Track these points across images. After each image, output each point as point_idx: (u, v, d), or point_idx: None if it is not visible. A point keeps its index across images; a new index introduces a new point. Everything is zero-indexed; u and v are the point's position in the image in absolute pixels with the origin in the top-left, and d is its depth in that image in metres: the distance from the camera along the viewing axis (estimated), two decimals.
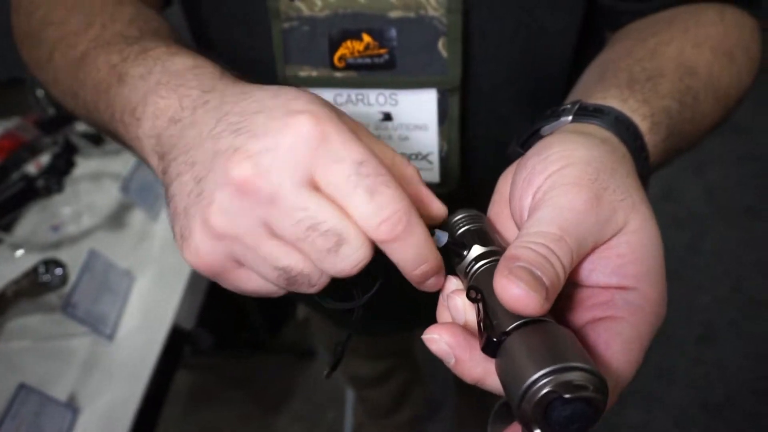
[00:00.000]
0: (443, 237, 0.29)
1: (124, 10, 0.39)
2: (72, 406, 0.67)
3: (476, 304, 0.25)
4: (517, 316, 0.23)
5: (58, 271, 0.75)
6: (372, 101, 0.45)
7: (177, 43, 0.39)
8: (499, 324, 0.24)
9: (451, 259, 0.30)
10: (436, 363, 1.15)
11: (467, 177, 0.50)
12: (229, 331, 1.57)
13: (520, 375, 0.21)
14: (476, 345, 0.24)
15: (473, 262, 0.28)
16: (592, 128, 0.31)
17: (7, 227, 0.93)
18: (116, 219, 0.92)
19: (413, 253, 0.25)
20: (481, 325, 0.24)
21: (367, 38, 0.42)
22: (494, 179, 0.43)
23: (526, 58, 0.45)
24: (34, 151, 0.96)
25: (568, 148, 0.27)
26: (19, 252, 0.89)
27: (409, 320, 0.82)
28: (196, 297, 0.88)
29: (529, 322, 0.23)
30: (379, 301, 0.81)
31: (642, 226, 0.25)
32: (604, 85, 0.35)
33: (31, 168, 0.99)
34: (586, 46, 0.49)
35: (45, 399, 0.64)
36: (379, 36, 0.42)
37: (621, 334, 0.24)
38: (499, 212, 0.31)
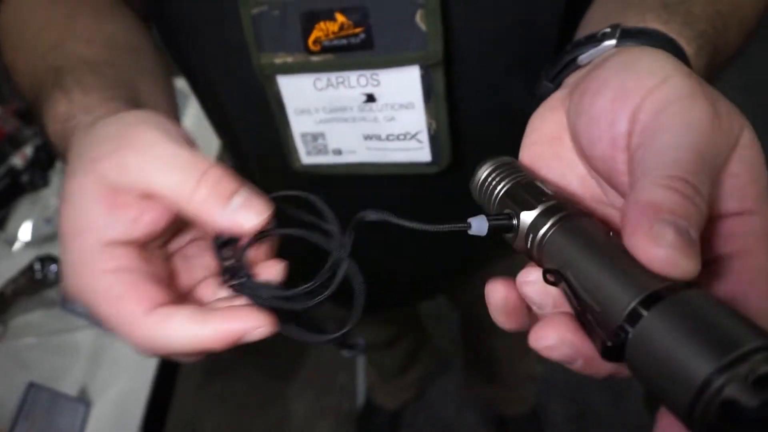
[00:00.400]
0: (481, 223, 0.23)
1: (43, 41, 0.39)
2: (84, 400, 0.68)
3: (559, 284, 0.20)
4: (633, 289, 0.18)
5: (53, 267, 0.74)
6: (353, 83, 0.43)
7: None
8: (607, 313, 0.18)
9: (504, 239, 0.24)
10: (443, 321, 1.18)
11: (460, 153, 0.48)
12: None
13: (678, 376, 0.16)
14: (585, 343, 0.20)
15: (530, 234, 0.23)
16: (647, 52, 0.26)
17: (0, 223, 0.93)
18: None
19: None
20: (582, 319, 0.19)
21: (341, 18, 0.40)
22: (488, 152, 0.40)
23: (513, 20, 0.43)
24: (16, 143, 0.94)
25: (654, 58, 0.23)
26: (17, 246, 0.89)
27: (408, 297, 0.82)
28: None
29: (653, 297, 0.17)
30: (374, 283, 0.79)
31: (753, 139, 0.22)
32: (637, 9, 0.31)
33: (17, 161, 0.97)
34: None
35: (56, 395, 0.65)
36: (353, 14, 0.40)
37: (755, 270, 0.20)
38: (538, 154, 0.27)
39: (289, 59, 0.42)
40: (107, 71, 0.37)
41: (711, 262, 0.21)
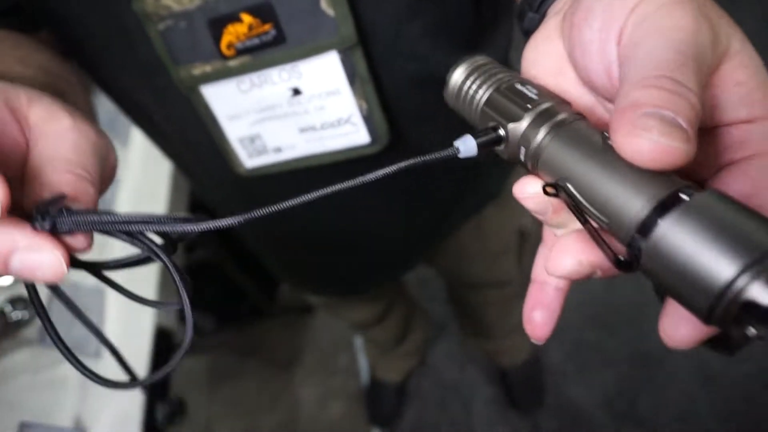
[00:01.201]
0: (469, 143, 0.22)
1: (37, 56, 0.40)
2: (79, 428, 0.69)
3: (561, 196, 0.20)
4: (639, 195, 0.17)
5: (22, 308, 0.74)
6: (276, 80, 0.43)
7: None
8: (617, 224, 0.17)
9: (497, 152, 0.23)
10: (431, 287, 1.19)
11: (398, 128, 0.48)
12: (227, 308, 1.59)
13: (698, 278, 0.16)
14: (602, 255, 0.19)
15: (521, 146, 0.21)
16: None
17: None
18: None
19: None
20: (590, 231, 0.19)
21: (247, 18, 0.40)
22: (426, 124, 0.39)
23: None
24: None
25: None
26: None
27: (390, 274, 0.83)
28: (172, 294, 0.88)
29: (664, 205, 0.17)
30: (347, 265, 0.78)
31: (744, 43, 0.21)
32: None
33: None
34: None
35: (49, 430, 0.66)
36: (258, 12, 0.39)
37: None
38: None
39: (208, 68, 0.42)
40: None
41: (723, 169, 0.20)
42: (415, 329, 1.34)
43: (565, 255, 0.21)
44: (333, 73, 0.43)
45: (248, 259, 1.39)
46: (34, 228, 0.22)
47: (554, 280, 0.26)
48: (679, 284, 0.16)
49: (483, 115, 0.23)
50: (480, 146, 0.22)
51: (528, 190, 0.22)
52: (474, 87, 0.24)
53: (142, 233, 0.23)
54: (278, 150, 0.49)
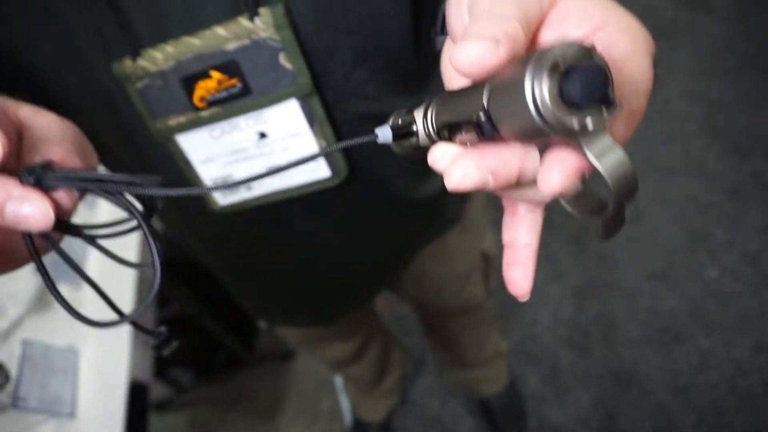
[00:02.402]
0: (385, 130, 0.28)
1: None
2: None
3: (453, 134, 0.25)
4: (482, 87, 0.22)
5: None
6: (243, 126, 0.48)
7: None
8: (476, 109, 0.23)
9: (414, 145, 0.29)
10: (406, 321, 1.21)
11: (354, 161, 0.53)
12: (205, 360, 1.58)
13: (520, 102, 0.20)
14: (492, 149, 0.24)
15: (424, 121, 0.27)
16: None
17: None
18: (42, 301, 0.91)
19: None
20: (472, 132, 0.23)
21: (216, 74, 0.45)
22: (378, 155, 0.43)
23: (368, 39, 0.48)
24: None
25: None
26: None
27: (358, 298, 0.86)
28: (147, 347, 0.89)
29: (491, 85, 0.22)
30: (319, 289, 0.81)
31: None
32: None
33: None
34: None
35: None
36: (225, 69, 0.44)
37: (621, 48, 0.24)
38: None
39: (182, 119, 0.47)
40: None
41: None
42: (393, 366, 1.35)
43: (454, 167, 0.24)
44: (294, 118, 0.48)
45: (223, 309, 1.40)
46: (21, 182, 0.24)
47: (522, 238, 0.30)
48: (515, 113, 0.21)
49: (398, 117, 0.29)
50: (394, 132, 0.27)
51: (434, 153, 0.26)
52: (396, 113, 0.30)
53: (120, 193, 0.25)
54: (249, 188, 0.53)
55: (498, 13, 0.23)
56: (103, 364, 0.81)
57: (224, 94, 0.45)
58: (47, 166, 0.25)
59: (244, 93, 0.45)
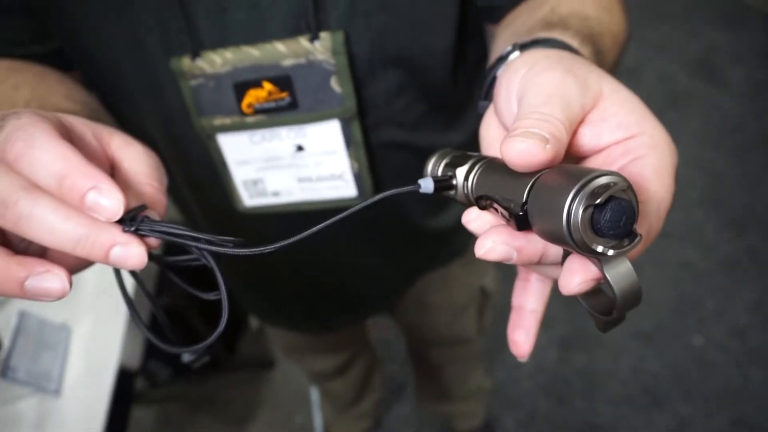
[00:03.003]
0: (428, 182, 0.30)
1: (19, 95, 0.44)
2: None
3: (490, 207, 0.27)
4: (526, 181, 0.24)
5: None
6: (284, 137, 0.50)
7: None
8: (516, 200, 0.25)
9: (450, 196, 0.31)
10: (391, 347, 1.22)
11: (380, 185, 0.55)
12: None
13: (556, 214, 0.22)
14: (520, 235, 0.26)
15: (465, 181, 0.29)
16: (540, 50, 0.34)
17: None
18: None
19: (47, 233, 0.25)
20: (506, 214, 0.26)
21: (268, 86, 0.46)
22: (408, 180, 0.45)
23: (413, 72, 0.50)
24: None
25: (529, 57, 0.31)
26: None
27: (359, 312, 0.87)
28: (138, 336, 0.89)
29: (539, 177, 0.24)
30: (325, 298, 0.83)
31: (616, 87, 0.28)
32: (527, 35, 0.39)
33: None
34: (464, 34, 0.53)
35: None
36: (277, 82, 0.46)
37: (649, 164, 0.26)
38: (492, 154, 0.33)
39: (227, 121, 0.48)
40: None
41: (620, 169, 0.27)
42: (373, 388, 1.35)
43: (485, 239, 0.27)
44: (333, 137, 0.50)
45: (212, 311, 1.40)
46: (123, 230, 0.27)
47: (530, 305, 0.32)
48: (551, 224, 0.23)
49: (444, 171, 0.32)
50: (436, 185, 0.30)
51: (470, 215, 0.29)
52: (438, 162, 0.33)
53: (199, 249, 0.29)
54: (276, 194, 0.55)
55: (546, 112, 0.26)
56: (94, 346, 0.81)
57: (272, 104, 0.47)
58: (142, 209, 0.29)
59: (291, 107, 0.47)
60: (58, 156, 0.25)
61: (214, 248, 0.28)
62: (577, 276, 0.24)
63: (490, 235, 0.26)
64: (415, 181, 0.33)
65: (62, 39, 0.49)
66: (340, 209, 0.55)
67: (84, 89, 0.50)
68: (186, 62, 0.45)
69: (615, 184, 0.22)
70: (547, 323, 1.61)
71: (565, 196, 0.22)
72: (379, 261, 0.69)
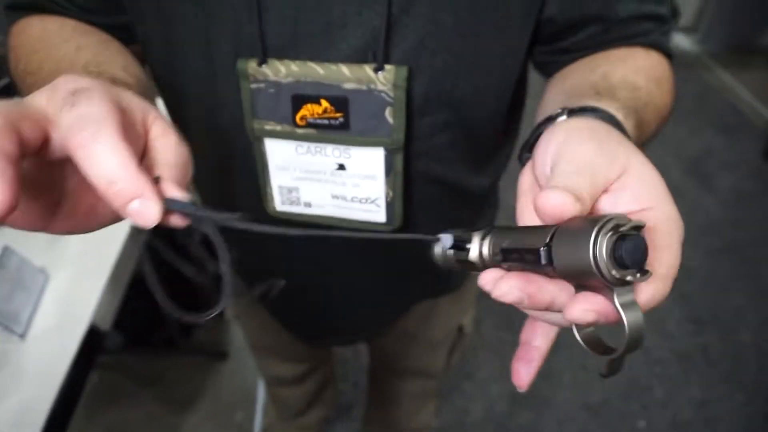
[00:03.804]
0: (448, 237, 0.34)
1: (80, 57, 0.46)
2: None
3: (504, 259, 0.30)
4: (550, 229, 0.28)
5: None
6: (328, 153, 0.51)
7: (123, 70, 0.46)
8: (539, 244, 0.28)
9: (461, 258, 0.34)
10: (346, 366, 1.23)
11: (410, 217, 0.57)
12: (140, 331, 1.54)
13: (582, 247, 0.26)
14: (535, 278, 0.29)
15: (482, 241, 0.33)
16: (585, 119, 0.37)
17: None
18: None
19: (100, 167, 0.26)
20: (529, 257, 0.29)
21: (325, 103, 0.48)
22: (435, 217, 0.48)
23: (463, 112, 0.52)
24: None
25: (571, 124, 0.35)
26: None
27: (348, 336, 0.88)
28: (115, 297, 0.88)
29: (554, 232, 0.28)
30: (321, 319, 0.84)
31: (643, 162, 0.31)
32: (577, 99, 0.42)
33: None
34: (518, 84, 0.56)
35: None
36: (335, 102, 0.48)
37: (658, 237, 0.29)
38: (525, 204, 0.36)
39: (278, 128, 0.50)
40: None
41: None
42: (323, 403, 1.34)
43: (502, 284, 0.29)
44: (376, 163, 0.51)
45: (181, 294, 1.38)
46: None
47: (536, 342, 0.35)
48: (575, 259, 0.26)
49: (462, 233, 0.35)
50: (455, 242, 0.33)
51: (487, 276, 0.31)
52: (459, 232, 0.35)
53: (215, 228, 0.31)
54: (308, 205, 0.56)
55: (577, 180, 0.29)
56: (69, 299, 0.80)
57: (325, 121, 0.49)
58: (156, 182, 0.30)
59: (342, 127, 0.49)
60: (116, 161, 0.26)
61: (220, 218, 0.30)
62: (585, 301, 0.27)
63: (508, 280, 0.29)
64: (441, 213, 0.35)
65: (132, 15, 0.50)
66: (365, 232, 0.57)
67: (139, 64, 0.51)
68: (252, 66, 0.47)
69: (630, 223, 0.26)
70: (502, 374, 1.64)
71: (591, 230, 0.25)
72: (378, 288, 0.70)
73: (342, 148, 0.51)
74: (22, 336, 0.74)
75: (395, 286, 0.72)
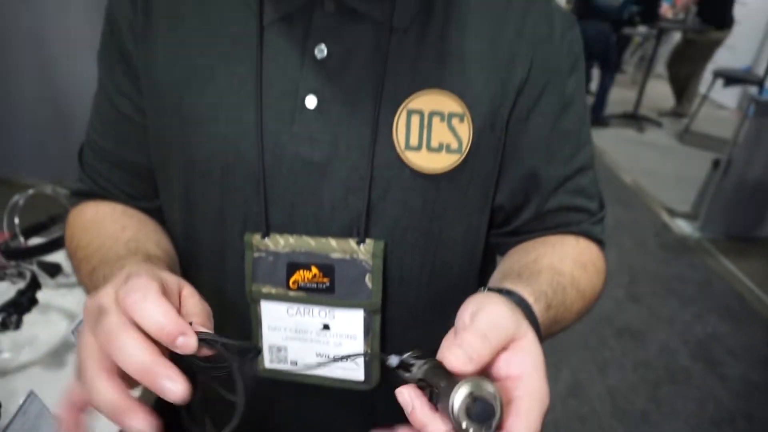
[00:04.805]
0: (395, 359, 0.43)
1: (124, 235, 0.58)
2: None
3: (425, 388, 0.39)
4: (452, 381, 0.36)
5: None
6: (315, 314, 0.59)
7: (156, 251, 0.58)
8: (439, 385, 0.37)
9: (402, 374, 0.42)
10: None
11: (387, 376, 0.62)
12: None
13: (447, 401, 0.34)
14: (425, 402, 0.37)
15: (419, 369, 0.41)
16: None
17: None
18: (57, 357, 0.93)
19: (151, 318, 0.37)
20: (433, 393, 0.38)
21: (314, 270, 0.57)
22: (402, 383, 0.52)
23: (436, 280, 0.61)
24: None
25: (490, 293, 0.46)
26: None
27: None
28: None
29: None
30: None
31: (534, 339, 0.39)
32: (505, 280, 0.53)
33: None
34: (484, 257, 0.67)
35: None
36: (323, 269, 0.57)
37: (519, 405, 0.36)
38: (450, 335, 0.43)
39: (273, 291, 0.59)
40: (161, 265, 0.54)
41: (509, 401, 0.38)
42: None
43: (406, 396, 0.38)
44: (356, 324, 0.59)
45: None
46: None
47: None
48: (444, 410, 0.36)
49: (407, 359, 0.44)
50: (401, 362, 0.42)
51: (406, 391, 0.38)
52: (408, 356, 0.44)
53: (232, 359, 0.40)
54: (294, 363, 0.62)
55: (482, 341, 0.37)
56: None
57: (313, 285, 0.58)
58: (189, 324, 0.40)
59: (328, 291, 0.58)
60: (163, 312, 0.37)
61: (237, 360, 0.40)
62: (407, 394, 0.38)
63: (407, 389, 0.38)
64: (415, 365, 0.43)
65: (164, 201, 0.63)
66: (345, 390, 0.61)
67: (169, 240, 0.63)
68: (256, 238, 0.57)
69: (487, 387, 0.34)
70: None
71: (454, 393, 0.34)
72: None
73: (327, 309, 0.58)
74: None
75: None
